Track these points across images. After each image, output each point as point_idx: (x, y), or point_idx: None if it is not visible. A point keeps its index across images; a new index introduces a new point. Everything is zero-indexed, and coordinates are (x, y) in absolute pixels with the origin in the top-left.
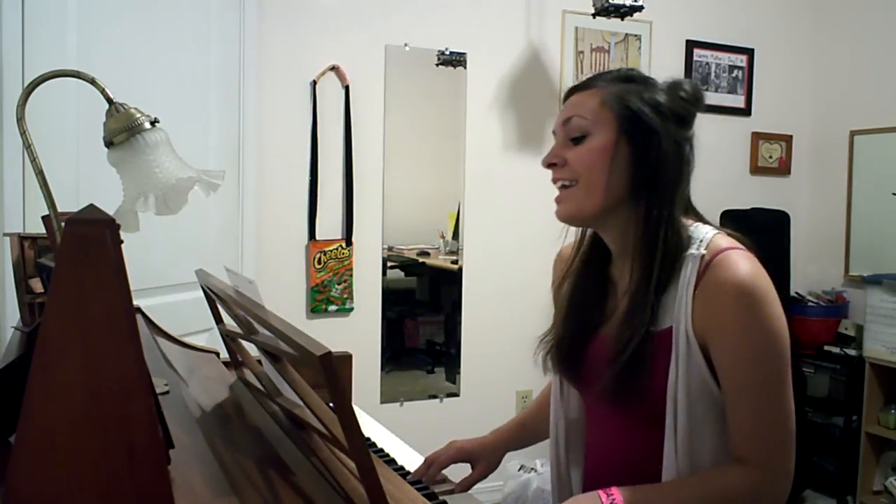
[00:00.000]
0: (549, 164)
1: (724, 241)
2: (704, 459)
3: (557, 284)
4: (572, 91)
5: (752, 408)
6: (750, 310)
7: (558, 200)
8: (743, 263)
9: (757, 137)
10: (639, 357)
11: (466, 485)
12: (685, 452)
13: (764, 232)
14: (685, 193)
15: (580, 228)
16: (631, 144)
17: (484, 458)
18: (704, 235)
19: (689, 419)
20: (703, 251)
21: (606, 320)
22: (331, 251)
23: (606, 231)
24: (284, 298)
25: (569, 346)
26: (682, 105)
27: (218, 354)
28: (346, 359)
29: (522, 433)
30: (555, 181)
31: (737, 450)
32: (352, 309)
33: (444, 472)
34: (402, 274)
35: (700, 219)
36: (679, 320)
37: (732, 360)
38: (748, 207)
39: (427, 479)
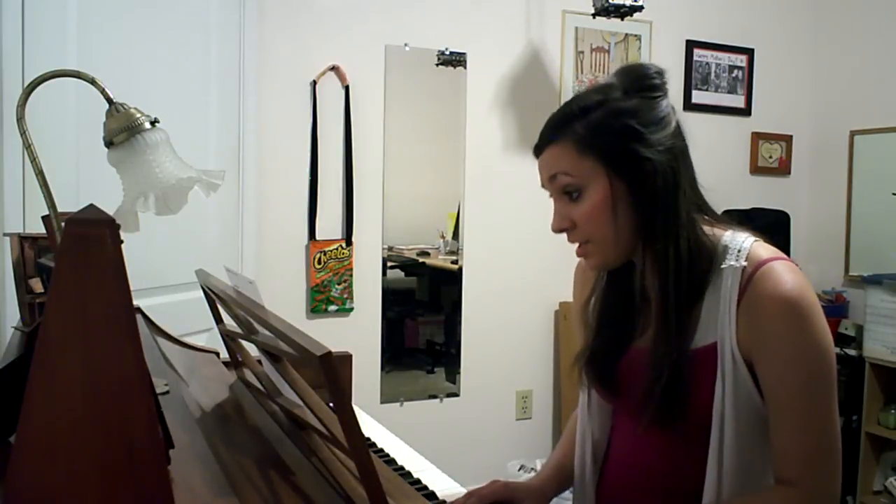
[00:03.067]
0: (559, 229)
1: (764, 251)
2: (751, 476)
3: (585, 299)
4: (540, 149)
5: (799, 427)
6: (798, 325)
7: (582, 255)
8: (788, 276)
9: (757, 137)
10: (678, 377)
11: None
12: (732, 469)
13: (764, 232)
14: (690, 192)
15: None
16: (625, 181)
17: (530, 500)
18: (742, 245)
19: (736, 436)
20: (743, 263)
21: (641, 333)
22: (331, 251)
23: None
24: (284, 298)
25: (603, 361)
26: (651, 104)
27: (218, 354)
28: (346, 359)
29: (562, 475)
30: (571, 241)
31: (781, 471)
32: (352, 309)
33: None
34: (402, 274)
35: (716, 218)
36: (723, 336)
37: (779, 377)
38: (748, 207)
39: None
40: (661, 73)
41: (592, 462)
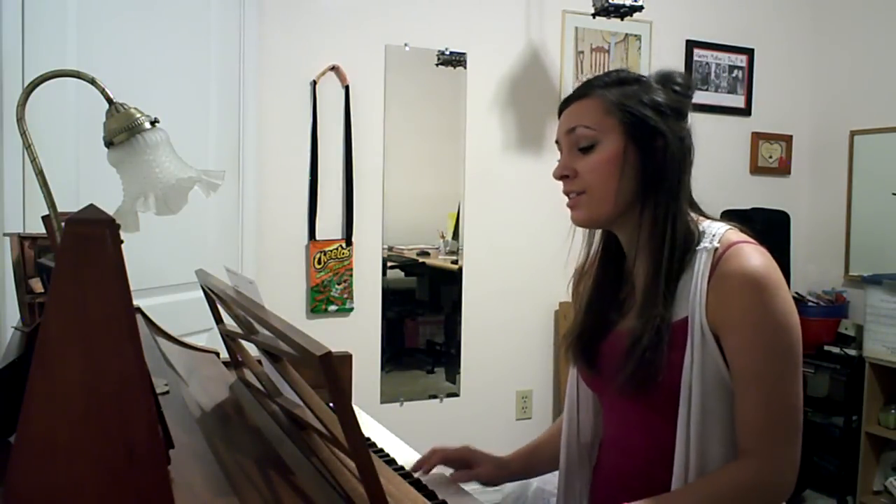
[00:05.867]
0: (560, 176)
1: (736, 235)
2: (715, 452)
3: (575, 284)
4: (569, 101)
5: (760, 399)
6: (760, 300)
7: (571, 207)
8: (754, 255)
9: (757, 137)
10: (655, 347)
11: (460, 477)
12: (697, 443)
13: (764, 232)
14: (688, 184)
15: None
16: (638, 149)
17: (488, 466)
18: (717, 231)
19: (702, 410)
20: (716, 244)
21: (623, 316)
22: (331, 251)
23: (620, 230)
24: (284, 298)
25: (587, 340)
26: (678, 99)
27: (218, 354)
28: (346, 359)
29: (533, 459)
30: (565, 192)
31: (743, 441)
32: (352, 309)
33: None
34: (402, 274)
35: (702, 214)
36: (694, 311)
37: (743, 350)
38: (748, 207)
39: (424, 461)
40: (687, 80)
41: (577, 453)
